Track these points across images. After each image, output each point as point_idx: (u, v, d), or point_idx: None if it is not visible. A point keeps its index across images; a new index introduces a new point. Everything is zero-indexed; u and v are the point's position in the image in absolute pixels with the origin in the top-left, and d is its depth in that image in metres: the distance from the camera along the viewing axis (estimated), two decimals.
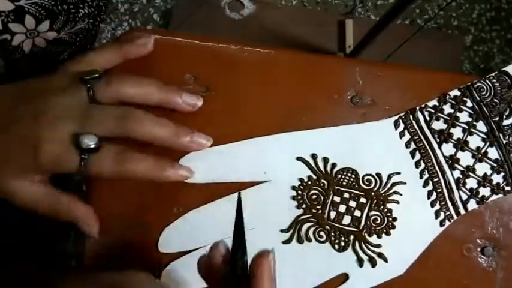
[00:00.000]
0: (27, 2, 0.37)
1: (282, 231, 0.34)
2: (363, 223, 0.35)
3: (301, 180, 0.35)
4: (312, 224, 0.35)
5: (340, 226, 0.35)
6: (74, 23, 0.44)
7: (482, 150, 0.36)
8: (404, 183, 0.36)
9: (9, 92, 0.30)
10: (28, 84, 0.31)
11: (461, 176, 0.36)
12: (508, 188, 0.36)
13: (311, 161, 0.35)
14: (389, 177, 0.36)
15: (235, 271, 0.25)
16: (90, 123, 0.29)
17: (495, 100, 0.37)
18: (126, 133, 0.30)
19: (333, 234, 0.35)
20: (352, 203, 0.35)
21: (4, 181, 0.29)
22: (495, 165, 0.36)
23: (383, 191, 0.35)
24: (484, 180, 0.36)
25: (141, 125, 0.30)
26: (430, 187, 0.36)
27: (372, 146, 0.36)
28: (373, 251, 0.35)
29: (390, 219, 0.35)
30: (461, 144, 0.36)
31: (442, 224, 0.36)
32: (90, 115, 0.29)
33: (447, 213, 0.36)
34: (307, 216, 0.35)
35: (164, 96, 0.32)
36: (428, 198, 0.36)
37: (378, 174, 0.36)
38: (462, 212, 0.36)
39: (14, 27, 0.38)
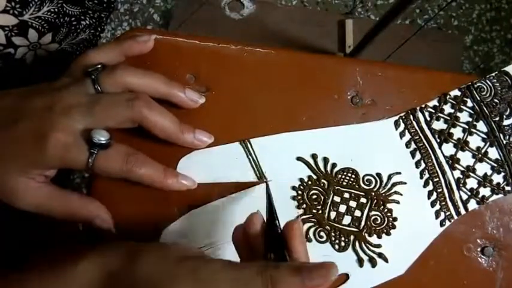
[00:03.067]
0: (30, 17, 0.37)
1: None
2: (363, 223, 0.35)
3: (301, 180, 0.35)
4: (312, 224, 0.35)
5: (341, 226, 0.35)
6: (76, 34, 0.44)
7: (483, 150, 0.36)
8: (405, 183, 0.36)
9: (17, 92, 0.30)
10: (35, 86, 0.31)
11: (461, 176, 0.36)
12: (508, 188, 0.36)
13: (311, 161, 0.35)
14: (390, 177, 0.36)
15: (273, 235, 0.28)
16: (100, 109, 0.29)
17: (495, 100, 0.37)
18: (134, 115, 0.30)
19: (333, 234, 0.35)
20: (353, 203, 0.35)
21: (10, 177, 0.29)
22: (495, 165, 0.36)
23: (383, 191, 0.35)
24: (484, 180, 0.36)
25: (149, 108, 0.30)
26: (430, 187, 0.36)
27: (372, 146, 0.36)
28: (373, 251, 0.35)
29: (390, 219, 0.35)
30: (461, 144, 0.36)
31: (442, 224, 0.36)
32: (99, 102, 0.29)
33: (447, 213, 0.36)
34: (308, 216, 0.35)
35: (168, 89, 0.32)
36: (429, 198, 0.36)
37: (378, 174, 0.36)
38: (462, 212, 0.36)
39: (17, 41, 0.38)
